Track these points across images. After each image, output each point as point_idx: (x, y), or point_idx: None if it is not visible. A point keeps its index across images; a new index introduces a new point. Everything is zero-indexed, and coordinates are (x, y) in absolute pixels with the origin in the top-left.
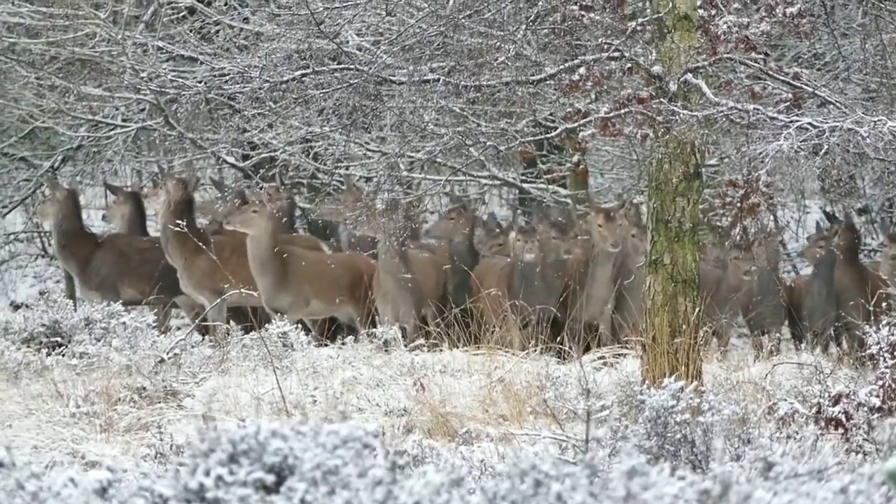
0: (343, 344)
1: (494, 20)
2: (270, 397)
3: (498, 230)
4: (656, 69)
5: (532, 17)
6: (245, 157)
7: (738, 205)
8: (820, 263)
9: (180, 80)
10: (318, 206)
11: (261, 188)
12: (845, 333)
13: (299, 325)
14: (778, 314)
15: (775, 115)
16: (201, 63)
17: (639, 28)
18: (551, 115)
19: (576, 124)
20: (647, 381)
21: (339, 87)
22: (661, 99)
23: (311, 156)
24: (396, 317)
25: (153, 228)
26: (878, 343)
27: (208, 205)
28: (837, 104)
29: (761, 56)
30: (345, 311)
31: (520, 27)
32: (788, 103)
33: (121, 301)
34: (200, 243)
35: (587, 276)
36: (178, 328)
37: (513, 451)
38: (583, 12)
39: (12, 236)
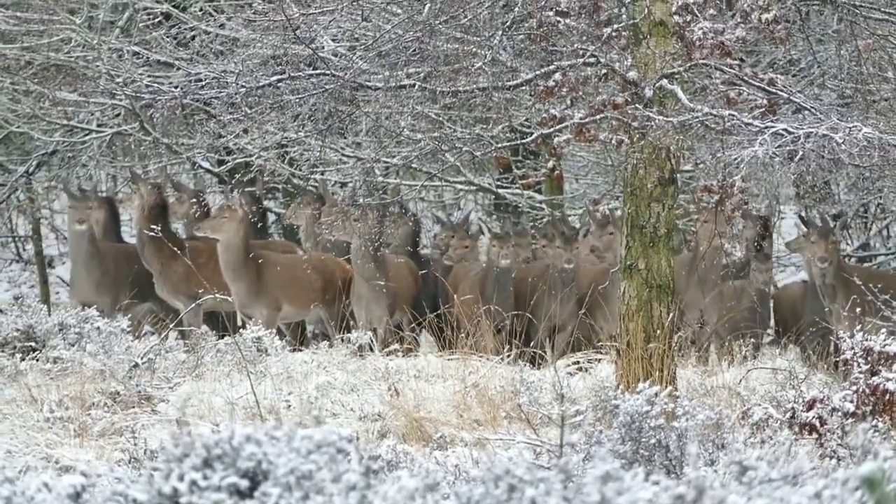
0: (317, 349)
1: (470, 26)
2: (245, 402)
3: (466, 233)
4: (632, 75)
5: (508, 23)
6: (220, 163)
7: (714, 210)
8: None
9: (156, 85)
10: (292, 211)
11: (232, 192)
12: (820, 338)
13: (273, 330)
14: (752, 319)
15: (750, 120)
16: (177, 68)
17: (614, 34)
18: (527, 120)
19: (551, 130)
20: (621, 386)
21: (314, 92)
22: (637, 104)
23: (286, 161)
24: (370, 320)
25: (128, 234)
26: (853, 348)
27: (175, 206)
28: (812, 110)
29: (737, 62)
30: (316, 314)
31: (496, 33)
32: (763, 109)
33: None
34: (175, 248)
35: (609, 287)
36: (153, 333)
37: (487, 456)
38: (559, 18)
39: None
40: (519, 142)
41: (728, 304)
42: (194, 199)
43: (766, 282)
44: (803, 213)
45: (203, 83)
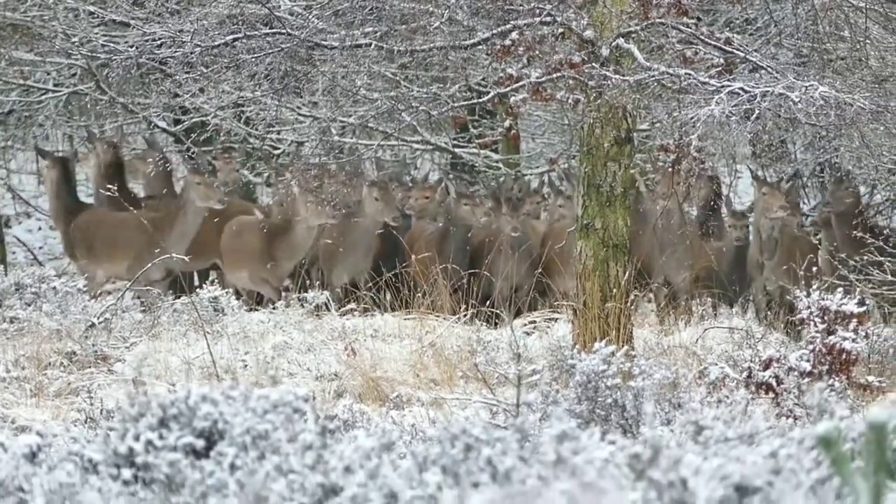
0: (274, 308)
1: None
2: (201, 362)
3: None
4: (588, 34)
5: None
6: (176, 122)
7: (670, 169)
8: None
9: (112, 44)
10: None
11: (211, 157)
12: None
13: (230, 290)
14: (709, 278)
15: (707, 79)
16: (133, 27)
17: None
18: (483, 79)
19: (508, 89)
20: (577, 346)
21: (270, 51)
22: (593, 64)
23: (242, 120)
24: (354, 275)
25: (83, 194)
26: (809, 308)
27: (137, 163)
28: (769, 69)
29: (693, 21)
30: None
31: None
32: (720, 68)
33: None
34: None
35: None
36: (110, 293)
37: (444, 416)
38: None
39: None
40: (475, 101)
41: (686, 263)
42: (160, 158)
43: (739, 238)
44: (759, 173)
45: (159, 42)
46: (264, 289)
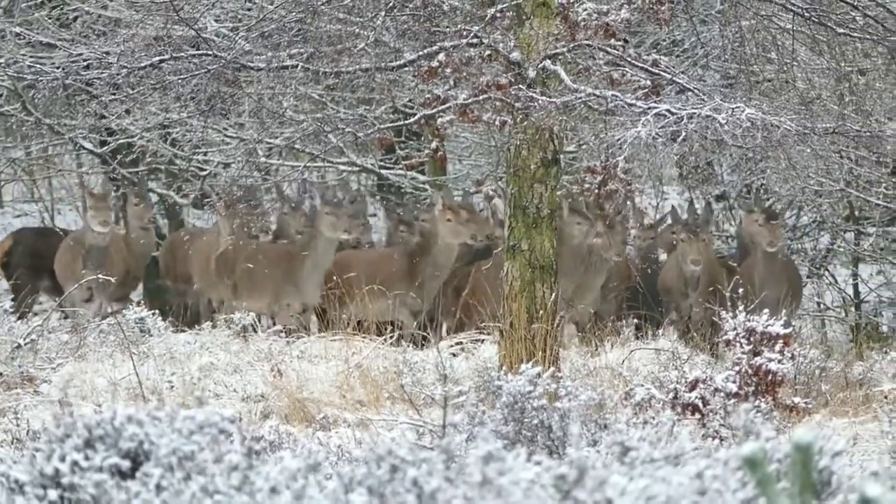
0: (200, 329)
1: (353, 6)
2: (127, 383)
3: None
4: (515, 56)
5: (391, 4)
6: (103, 143)
7: (597, 191)
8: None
9: (38, 65)
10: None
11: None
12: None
13: (156, 311)
14: (634, 298)
15: (634, 101)
16: (59, 49)
17: (498, 14)
18: (410, 101)
19: (434, 111)
20: (504, 367)
21: (197, 73)
22: (520, 85)
23: (168, 142)
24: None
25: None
26: (735, 329)
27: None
28: (696, 91)
29: (620, 43)
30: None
31: (378, 13)
32: (647, 90)
33: None
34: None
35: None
36: (36, 314)
37: (370, 437)
38: None
39: None
40: (402, 123)
41: (612, 284)
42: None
43: (694, 260)
44: (686, 195)
45: (85, 64)
46: (404, 314)
